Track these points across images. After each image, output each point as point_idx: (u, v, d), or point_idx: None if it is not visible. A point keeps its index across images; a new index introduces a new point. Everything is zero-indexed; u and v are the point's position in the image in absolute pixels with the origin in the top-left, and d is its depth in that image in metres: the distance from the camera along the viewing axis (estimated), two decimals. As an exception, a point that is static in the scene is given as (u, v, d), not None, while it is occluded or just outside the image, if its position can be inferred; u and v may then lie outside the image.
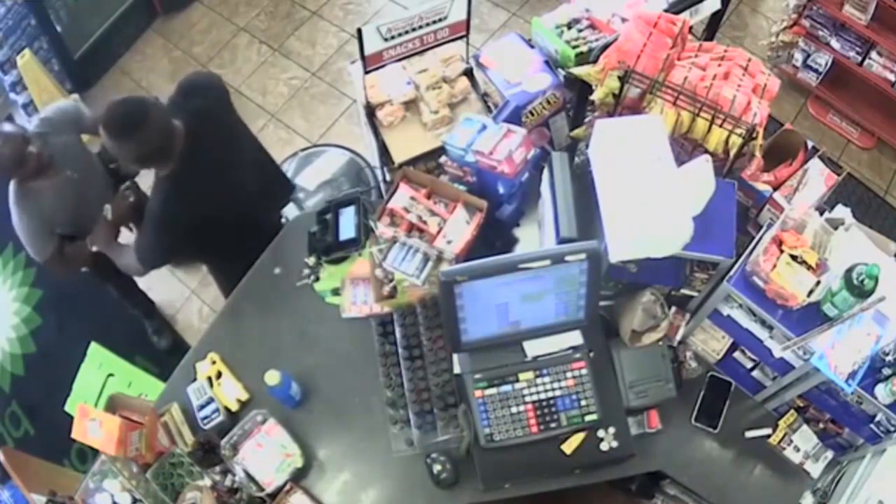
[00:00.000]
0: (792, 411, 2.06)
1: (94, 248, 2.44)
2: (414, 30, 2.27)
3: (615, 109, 1.98)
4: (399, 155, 2.46)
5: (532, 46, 2.47)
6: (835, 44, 3.46)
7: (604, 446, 1.93)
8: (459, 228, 2.06)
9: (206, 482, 1.96)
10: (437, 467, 1.95)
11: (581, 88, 2.13)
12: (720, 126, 1.84)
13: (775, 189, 1.94)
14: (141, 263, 2.26)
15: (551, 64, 2.39)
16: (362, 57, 2.27)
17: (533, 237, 2.25)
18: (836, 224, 1.82)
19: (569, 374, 1.96)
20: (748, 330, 1.91)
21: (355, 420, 2.09)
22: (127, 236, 2.48)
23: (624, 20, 2.32)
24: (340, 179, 3.00)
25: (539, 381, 1.95)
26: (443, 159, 2.21)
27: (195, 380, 2.16)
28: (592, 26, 2.36)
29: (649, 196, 1.70)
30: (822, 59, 3.60)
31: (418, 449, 2.00)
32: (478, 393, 1.94)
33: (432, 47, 2.38)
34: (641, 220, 1.70)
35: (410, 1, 4.07)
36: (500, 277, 1.77)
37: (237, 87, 4.11)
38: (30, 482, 1.98)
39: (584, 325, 1.96)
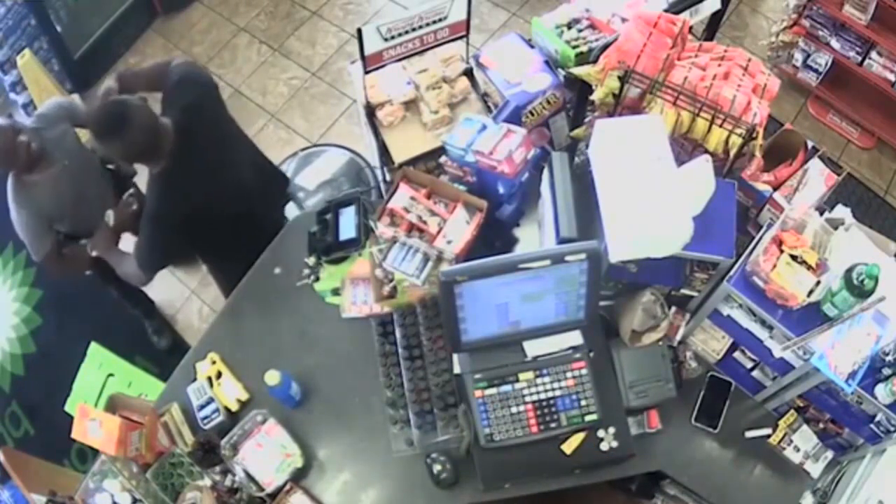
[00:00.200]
0: (792, 411, 2.06)
1: (95, 254, 2.44)
2: (414, 30, 2.27)
3: (615, 109, 1.98)
4: (399, 155, 2.46)
5: (532, 46, 2.47)
6: (835, 44, 3.46)
7: (604, 446, 1.93)
8: (459, 228, 2.06)
9: (206, 482, 1.96)
10: (437, 467, 1.95)
11: (581, 88, 2.13)
12: (720, 126, 1.84)
13: (775, 189, 1.94)
14: (141, 269, 2.27)
15: (551, 64, 2.39)
16: (362, 57, 2.27)
17: (533, 237, 2.25)
18: (836, 224, 1.82)
19: (569, 374, 1.96)
20: (748, 330, 1.91)
21: (355, 420, 2.09)
22: (127, 243, 2.47)
23: (624, 20, 2.32)
24: (340, 179, 3.00)
25: (539, 381, 1.95)
26: (443, 159, 2.21)
27: (195, 380, 2.16)
28: (592, 26, 2.36)
29: (649, 196, 1.70)
30: (822, 59, 3.60)
31: (418, 449, 2.00)
32: (478, 393, 1.94)
33: (432, 47, 2.37)
34: (641, 220, 1.70)
35: (410, 1, 4.07)
36: (500, 277, 1.77)
37: (237, 87, 4.11)
38: (30, 482, 1.98)
39: (584, 325, 1.96)
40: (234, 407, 2.11)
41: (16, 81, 3.68)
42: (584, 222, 1.89)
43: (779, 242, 1.75)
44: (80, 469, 2.48)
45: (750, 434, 2.05)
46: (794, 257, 1.72)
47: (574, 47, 2.30)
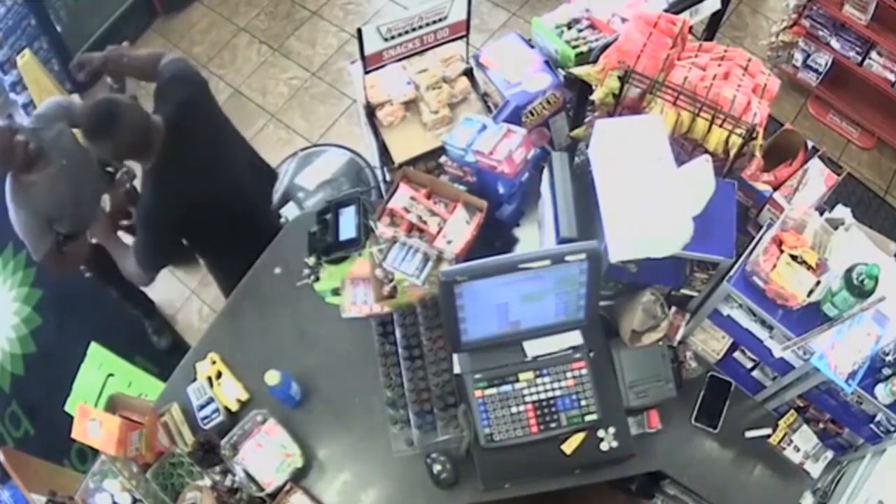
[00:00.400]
0: (792, 411, 2.06)
1: (95, 241, 2.44)
2: (414, 30, 2.27)
3: (615, 109, 1.98)
4: (399, 155, 2.46)
5: (532, 46, 2.47)
6: (835, 44, 3.46)
7: (604, 446, 1.93)
8: (459, 228, 2.06)
9: (206, 482, 1.96)
10: (437, 467, 1.95)
11: (581, 88, 2.13)
12: (720, 126, 1.84)
13: (775, 189, 1.94)
14: (141, 267, 2.27)
15: (551, 64, 2.39)
16: (362, 57, 2.27)
17: (533, 237, 2.25)
18: (836, 224, 1.82)
19: (569, 374, 1.96)
20: (748, 330, 1.91)
21: (355, 420, 2.09)
22: (127, 240, 2.48)
23: (624, 20, 2.32)
24: (340, 179, 3.00)
25: (539, 381, 1.95)
26: (443, 159, 2.21)
27: (195, 380, 2.16)
28: (592, 26, 2.36)
29: (649, 196, 1.70)
30: (822, 59, 3.60)
31: (418, 449, 2.00)
32: (478, 393, 1.94)
33: (432, 47, 2.37)
34: (641, 220, 1.70)
35: (410, 1, 4.07)
36: (500, 277, 1.77)
37: (237, 87, 4.11)
38: (30, 482, 1.98)
39: (584, 325, 1.96)
40: (234, 407, 2.11)
41: (16, 81, 3.68)
42: (584, 222, 1.89)
43: (779, 242, 1.75)
44: (80, 469, 2.48)
45: (750, 434, 2.05)
46: (794, 257, 1.72)
47: (574, 47, 2.30)
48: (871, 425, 1.87)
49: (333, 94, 4.04)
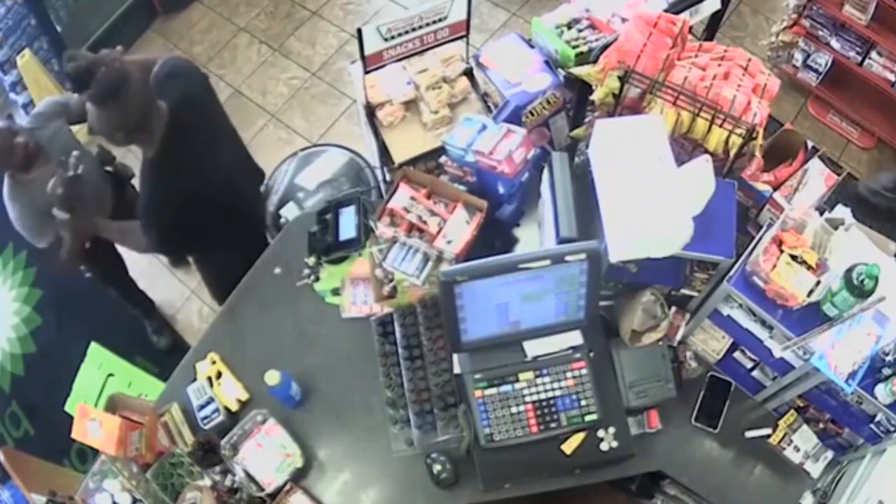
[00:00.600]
0: (792, 411, 2.06)
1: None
2: (414, 30, 2.27)
3: (615, 109, 1.98)
4: (399, 155, 2.46)
5: (532, 46, 2.47)
6: (835, 44, 3.46)
7: (604, 446, 1.93)
8: (459, 228, 2.06)
9: (206, 482, 1.97)
10: (437, 467, 1.95)
11: (581, 88, 2.13)
12: (720, 126, 1.84)
13: (775, 189, 1.94)
14: (164, 253, 2.30)
15: (551, 64, 2.39)
16: (362, 57, 2.27)
17: (533, 237, 2.25)
18: (836, 224, 1.82)
19: (569, 374, 1.96)
20: (748, 330, 1.91)
21: (355, 420, 2.09)
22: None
23: (624, 20, 2.32)
24: (340, 179, 2.99)
25: (539, 381, 1.95)
26: (443, 159, 2.21)
27: (195, 380, 2.16)
28: (592, 26, 2.36)
29: (649, 196, 1.70)
30: (822, 59, 3.60)
31: (418, 449, 2.00)
32: (478, 393, 1.94)
33: (432, 47, 2.37)
34: (641, 220, 1.70)
35: (410, 1, 4.07)
36: (500, 277, 1.77)
37: (237, 87, 4.11)
38: (30, 482, 1.98)
39: (584, 325, 1.96)
40: (234, 407, 2.11)
41: (16, 81, 3.68)
42: (584, 222, 1.89)
43: (779, 242, 1.75)
44: (80, 469, 2.48)
45: (750, 434, 2.05)
46: (794, 257, 1.72)
47: (574, 47, 2.30)
48: (871, 425, 1.87)
49: (333, 94, 4.04)
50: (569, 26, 2.37)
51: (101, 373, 2.67)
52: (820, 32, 3.48)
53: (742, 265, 1.77)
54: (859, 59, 3.42)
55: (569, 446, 1.93)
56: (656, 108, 1.90)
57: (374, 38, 2.22)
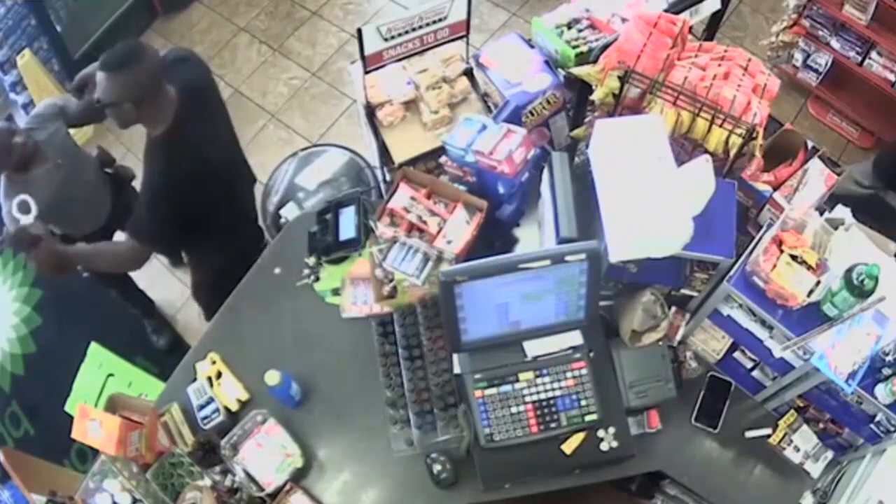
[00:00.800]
0: (792, 411, 2.06)
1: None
2: (414, 30, 2.27)
3: (615, 109, 1.98)
4: (399, 155, 2.46)
5: (532, 46, 2.47)
6: (835, 44, 3.46)
7: (604, 446, 1.93)
8: (459, 228, 2.06)
9: (206, 482, 1.96)
10: (437, 467, 1.95)
11: (581, 88, 2.12)
12: (720, 126, 1.84)
13: (775, 189, 1.94)
14: (139, 240, 2.21)
15: (551, 64, 2.39)
16: (362, 57, 2.27)
17: (533, 237, 2.25)
18: (836, 224, 1.82)
19: (569, 374, 1.96)
20: (748, 330, 1.91)
21: (355, 420, 2.09)
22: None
23: (624, 20, 2.32)
24: (340, 179, 2.99)
25: (539, 381, 1.95)
26: (443, 159, 2.21)
27: (195, 380, 2.16)
28: (592, 26, 2.36)
29: (649, 196, 1.70)
30: (822, 59, 3.60)
31: (418, 449, 2.00)
32: (478, 393, 1.94)
33: (432, 47, 2.37)
34: (641, 220, 1.70)
35: (410, 1, 4.07)
36: (500, 277, 1.77)
37: (237, 87, 4.11)
38: (30, 482, 1.98)
39: (584, 325, 1.96)
40: (234, 407, 2.11)
41: (16, 81, 3.69)
42: (584, 222, 1.89)
43: (779, 242, 1.75)
44: (80, 469, 2.48)
45: (750, 434, 2.05)
46: (794, 257, 1.72)
47: (574, 47, 2.30)
48: (871, 425, 1.87)
49: (333, 94, 4.04)
50: (569, 26, 2.37)
51: (101, 373, 2.67)
52: (820, 32, 3.48)
53: (742, 265, 1.77)
54: (859, 59, 3.42)
55: (569, 446, 1.93)
56: (656, 108, 1.90)
57: (374, 38, 2.22)
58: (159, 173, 2.17)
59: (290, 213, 2.89)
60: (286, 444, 2.01)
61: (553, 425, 1.93)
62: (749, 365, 2.09)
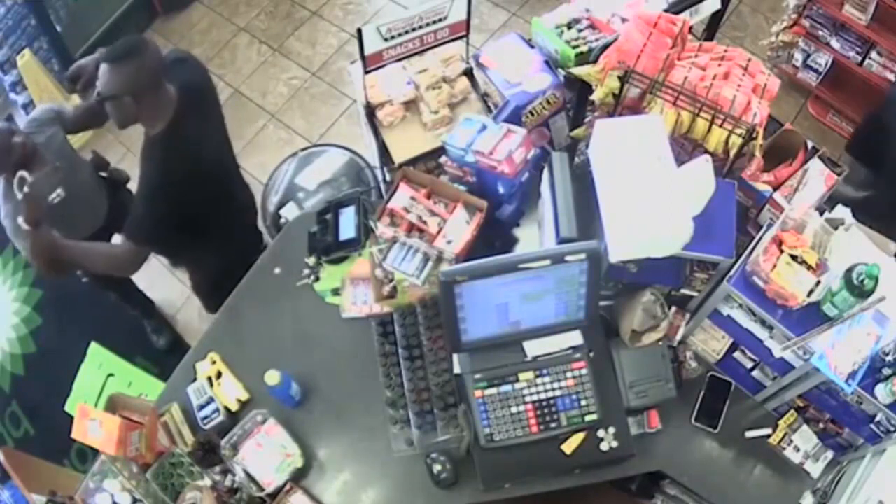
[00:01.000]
0: (792, 411, 2.06)
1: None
2: (414, 30, 2.27)
3: (615, 109, 1.98)
4: (399, 155, 2.46)
5: (532, 46, 2.47)
6: (835, 44, 3.46)
7: (604, 446, 1.93)
8: (459, 228, 2.06)
9: (206, 482, 1.96)
10: (437, 467, 1.95)
11: (581, 88, 2.12)
12: (720, 126, 1.84)
13: (775, 189, 1.94)
14: (135, 242, 2.19)
15: (551, 64, 2.39)
16: (362, 57, 2.27)
17: (533, 237, 2.25)
18: (836, 224, 1.82)
19: (569, 374, 1.96)
20: (748, 330, 1.91)
21: (355, 420, 2.09)
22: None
23: (624, 20, 2.32)
24: (340, 179, 3.00)
25: (539, 381, 1.95)
26: (443, 159, 2.21)
27: (195, 380, 2.16)
28: (592, 26, 2.36)
29: (649, 196, 1.70)
30: (822, 59, 3.60)
31: (418, 449, 2.00)
32: (478, 393, 1.94)
33: (432, 47, 2.37)
34: (641, 220, 1.70)
35: (410, 1, 4.07)
36: (500, 277, 1.77)
37: (237, 87, 4.11)
38: (30, 482, 1.98)
39: (584, 325, 1.96)
40: (234, 407, 2.11)
41: (16, 81, 3.69)
42: (584, 222, 1.89)
43: (779, 242, 1.75)
44: (80, 469, 2.48)
45: (750, 434, 2.05)
46: (794, 257, 1.72)
47: (574, 47, 2.30)
48: (871, 425, 1.87)
49: (333, 94, 4.04)
50: (569, 26, 2.37)
51: (101, 373, 2.67)
52: (820, 32, 3.48)
53: (742, 265, 1.77)
54: (859, 59, 3.42)
55: (569, 446, 1.93)
56: (656, 108, 1.90)
57: (374, 38, 2.22)
58: (156, 172, 2.17)
59: (290, 213, 2.90)
60: (286, 444, 2.01)
61: (553, 425, 1.93)
62: (749, 365, 2.09)
